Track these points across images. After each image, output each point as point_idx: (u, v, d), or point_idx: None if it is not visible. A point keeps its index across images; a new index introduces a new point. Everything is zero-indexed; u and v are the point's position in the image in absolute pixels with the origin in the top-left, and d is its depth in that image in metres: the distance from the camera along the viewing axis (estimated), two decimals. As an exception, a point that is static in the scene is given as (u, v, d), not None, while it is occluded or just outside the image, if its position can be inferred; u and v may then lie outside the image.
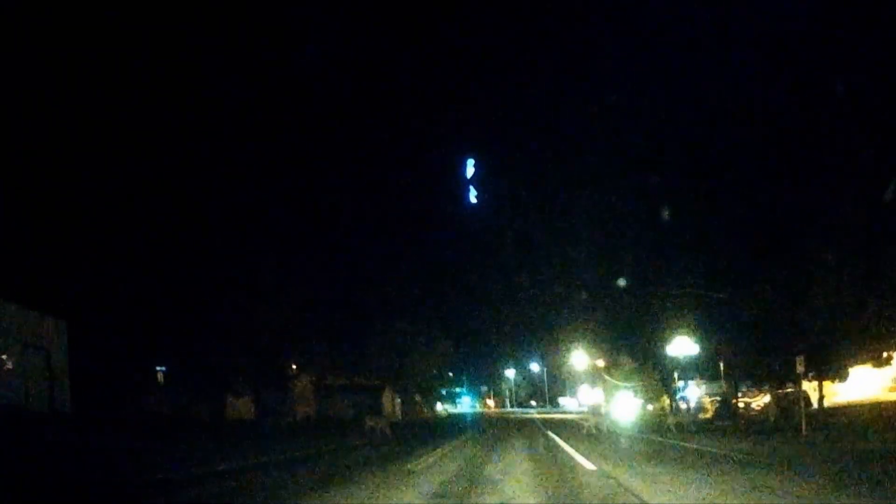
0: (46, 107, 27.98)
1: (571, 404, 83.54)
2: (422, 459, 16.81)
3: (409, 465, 15.25)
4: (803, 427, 23.27)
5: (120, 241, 31.44)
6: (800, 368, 23.69)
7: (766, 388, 35.94)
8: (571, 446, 20.40)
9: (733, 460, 15.38)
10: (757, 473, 12.57)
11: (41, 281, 27.25)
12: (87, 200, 30.79)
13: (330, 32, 58.09)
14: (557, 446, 21.17)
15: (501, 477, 12.76)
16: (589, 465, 14.28)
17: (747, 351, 33.87)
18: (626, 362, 57.63)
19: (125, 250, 31.45)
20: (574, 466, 14.62)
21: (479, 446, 22.21)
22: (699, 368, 46.30)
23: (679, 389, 50.24)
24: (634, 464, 14.78)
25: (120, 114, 32.31)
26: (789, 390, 33.62)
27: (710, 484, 11.14)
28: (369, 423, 31.80)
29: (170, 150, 35.14)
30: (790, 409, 31.94)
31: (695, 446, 20.42)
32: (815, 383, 31.74)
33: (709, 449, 19.05)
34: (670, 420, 32.07)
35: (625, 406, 55.37)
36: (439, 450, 20.63)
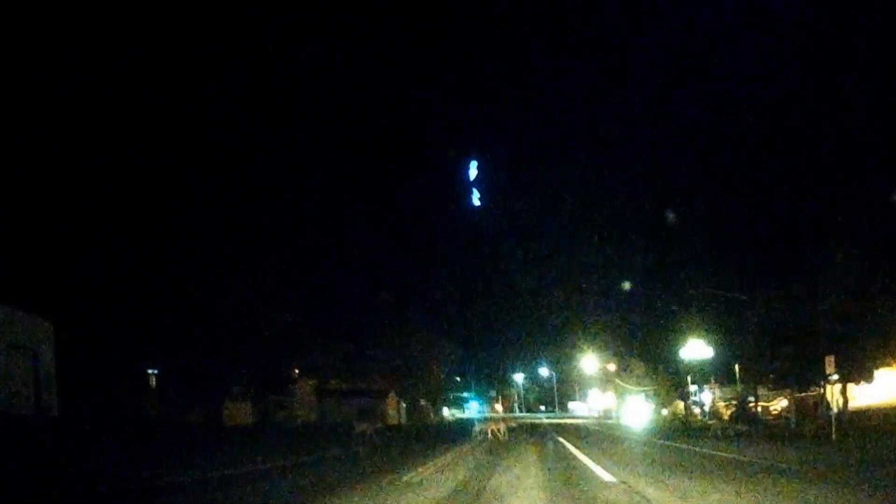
0: (33, 103, 27.01)
1: (582, 409, 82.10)
2: (421, 469, 15.31)
3: (407, 476, 13.77)
4: (833, 432, 21.80)
5: (111, 238, 30.27)
6: (829, 369, 22.23)
7: (787, 391, 34.39)
8: (585, 454, 18.90)
9: (764, 469, 13.98)
10: (795, 485, 11.14)
11: (27, 280, 26.17)
12: (76, 197, 29.70)
13: (332, 34, 57.21)
14: (570, 454, 19.67)
15: (509, 490, 11.28)
16: (607, 477, 12.74)
17: (766, 353, 32.43)
18: (638, 366, 56.50)
19: (116, 248, 30.26)
20: (591, 477, 13.09)
21: (485, 453, 20.67)
22: (714, 372, 45.06)
23: (693, 394, 48.84)
24: (658, 474, 13.27)
25: (111, 109, 31.36)
26: (810, 393, 32.21)
27: (749, 499, 9.70)
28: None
29: (165, 147, 34.13)
30: (810, 413, 30.59)
31: (718, 453, 19.00)
32: (838, 386, 30.23)
33: (733, 456, 17.63)
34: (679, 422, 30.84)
35: (637, 411, 54.08)
36: (442, 458, 19.18)
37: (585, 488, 11.42)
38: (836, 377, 27.68)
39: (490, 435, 29.65)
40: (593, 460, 16.51)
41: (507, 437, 29.25)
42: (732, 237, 39.55)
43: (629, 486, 11.17)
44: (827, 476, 12.52)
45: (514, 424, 33.66)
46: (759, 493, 10.18)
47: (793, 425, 30.57)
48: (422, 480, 13.07)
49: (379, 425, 32.04)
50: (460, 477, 13.60)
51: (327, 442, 28.46)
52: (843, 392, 30.17)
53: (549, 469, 15.04)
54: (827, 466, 14.28)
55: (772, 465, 14.75)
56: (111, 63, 31.63)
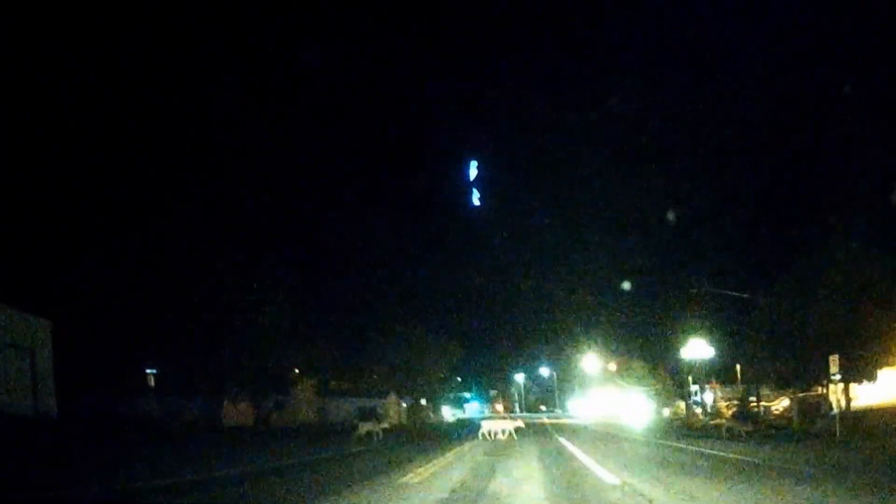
0: (32, 104, 26.89)
1: (583, 409, 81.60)
2: (419, 470, 14.97)
3: (405, 477, 13.44)
4: (838, 431, 21.54)
5: (109, 236, 30.10)
6: (834, 369, 21.91)
7: (790, 391, 34.11)
8: (587, 454, 18.60)
9: (770, 470, 13.71)
10: (804, 487, 10.87)
11: (25, 278, 26.00)
12: (75, 196, 29.53)
13: (333, 35, 57.06)
14: (572, 455, 19.37)
15: (510, 493, 11.01)
16: (611, 479, 12.40)
17: (769, 353, 32.13)
18: (639, 366, 56.20)
19: (114, 246, 30.09)
20: (593, 479, 12.77)
21: (484, 455, 20.36)
22: (715, 372, 44.87)
23: (694, 393, 48.56)
24: (661, 476, 12.95)
25: (109, 110, 31.27)
26: (811, 393, 31.92)
27: (758, 502, 9.44)
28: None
29: (164, 147, 33.99)
30: (813, 413, 30.34)
31: (722, 454, 18.73)
32: (841, 385, 29.97)
33: (738, 457, 17.35)
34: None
35: (638, 410, 53.79)
36: (441, 458, 18.87)
37: (588, 491, 11.14)
38: (839, 377, 27.47)
39: (494, 436, 28.93)
40: (595, 461, 16.19)
41: (514, 438, 28.58)
42: (734, 236, 39.39)
43: (633, 489, 10.86)
44: (835, 477, 12.25)
45: (522, 424, 33.00)
46: (767, 496, 9.92)
47: (795, 425, 30.32)
48: (419, 482, 12.72)
49: (385, 425, 31.56)
50: (459, 478, 13.27)
51: (326, 442, 28.23)
52: (846, 392, 29.89)
53: (550, 470, 14.71)
54: (834, 467, 14.02)
55: (778, 465, 14.50)
56: (111, 64, 31.53)
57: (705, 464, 15.83)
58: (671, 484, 11.54)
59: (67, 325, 26.99)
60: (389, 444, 27.52)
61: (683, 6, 48.11)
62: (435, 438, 33.17)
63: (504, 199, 60.21)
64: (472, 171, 30.32)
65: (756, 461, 15.83)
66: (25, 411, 23.57)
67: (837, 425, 21.98)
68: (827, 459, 15.66)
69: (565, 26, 65.01)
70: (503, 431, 29.32)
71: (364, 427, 29.28)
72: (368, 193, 75.29)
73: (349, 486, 12.40)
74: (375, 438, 28.37)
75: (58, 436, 20.41)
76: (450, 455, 20.39)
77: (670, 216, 40.64)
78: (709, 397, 48.30)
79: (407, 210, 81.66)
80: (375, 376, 58.14)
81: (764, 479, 12.11)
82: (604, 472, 13.44)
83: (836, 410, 28.61)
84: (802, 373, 30.33)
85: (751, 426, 31.90)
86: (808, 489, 10.68)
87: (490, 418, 36.08)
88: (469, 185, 30.76)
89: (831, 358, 21.96)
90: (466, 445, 25.95)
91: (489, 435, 28.80)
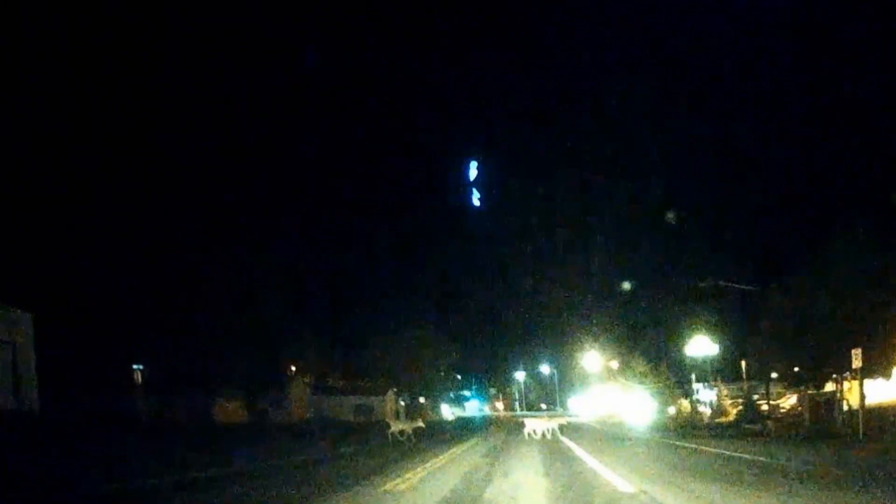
0: (15, 99, 26.02)
1: (584, 407, 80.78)
2: (409, 475, 13.64)
3: (391, 483, 12.17)
4: (861, 430, 20.40)
5: (93, 228, 29.15)
6: (856, 363, 20.77)
7: (801, 388, 33.01)
8: (593, 456, 17.39)
9: (801, 474, 12.47)
10: (851, 496, 9.65)
11: (5, 269, 25.06)
12: (60, 188, 28.64)
13: (334, 35, 56.39)
14: (577, 457, 18.15)
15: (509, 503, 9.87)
16: (625, 486, 11.07)
17: (780, 348, 31.05)
18: (640, 364, 55.45)
19: (99, 238, 29.15)
20: (604, 486, 11.42)
21: (481, 456, 19.14)
22: (719, 369, 44.09)
23: (696, 391, 47.68)
24: (680, 481, 11.68)
25: (97, 104, 30.50)
26: (822, 390, 30.89)
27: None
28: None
29: (153, 140, 33.16)
30: (825, 411, 29.35)
31: (737, 454, 17.62)
32: (853, 382, 28.91)
33: (758, 458, 16.18)
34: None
35: (640, 409, 52.95)
36: (434, 460, 17.70)
37: (600, 500, 9.88)
38: (846, 374, 26.35)
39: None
40: (603, 464, 14.95)
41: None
42: (740, 231, 38.60)
43: (653, 499, 9.56)
44: (885, 482, 10.94)
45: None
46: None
47: (807, 423, 29.28)
48: (406, 489, 11.45)
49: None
50: (451, 485, 11.95)
51: (321, 440, 27.31)
52: (860, 389, 28.80)
53: (554, 475, 13.34)
54: (874, 470, 12.73)
55: (811, 469, 13.25)
56: (98, 60, 30.81)
57: (723, 466, 14.57)
58: (694, 492, 10.25)
59: (50, 319, 26.05)
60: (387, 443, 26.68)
61: (686, 7, 47.44)
62: (431, 438, 32.16)
63: (504, 199, 59.69)
64: (472, 172, 29.84)
65: (778, 463, 14.68)
66: (6, 407, 22.59)
67: (861, 423, 20.83)
68: (861, 461, 14.41)
69: (566, 27, 64.45)
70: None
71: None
72: (368, 192, 74.71)
73: (329, 492, 11.30)
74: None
75: (39, 433, 19.73)
76: (444, 456, 19.25)
77: (671, 215, 40.04)
78: (712, 395, 47.40)
79: (406, 209, 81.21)
80: (374, 374, 57.30)
81: (801, 486, 10.80)
82: (615, 478, 12.14)
83: (847, 408, 27.57)
84: (815, 369, 29.29)
85: (758, 425, 30.94)
86: (866, 499, 9.50)
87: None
88: (469, 186, 30.28)
89: (854, 352, 20.85)
90: (465, 445, 24.96)
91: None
